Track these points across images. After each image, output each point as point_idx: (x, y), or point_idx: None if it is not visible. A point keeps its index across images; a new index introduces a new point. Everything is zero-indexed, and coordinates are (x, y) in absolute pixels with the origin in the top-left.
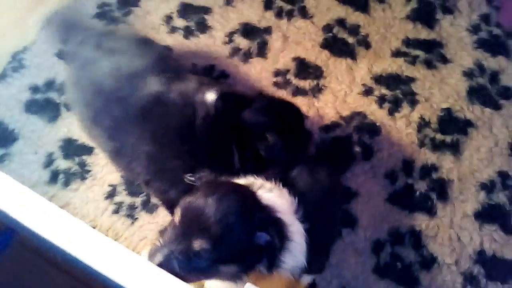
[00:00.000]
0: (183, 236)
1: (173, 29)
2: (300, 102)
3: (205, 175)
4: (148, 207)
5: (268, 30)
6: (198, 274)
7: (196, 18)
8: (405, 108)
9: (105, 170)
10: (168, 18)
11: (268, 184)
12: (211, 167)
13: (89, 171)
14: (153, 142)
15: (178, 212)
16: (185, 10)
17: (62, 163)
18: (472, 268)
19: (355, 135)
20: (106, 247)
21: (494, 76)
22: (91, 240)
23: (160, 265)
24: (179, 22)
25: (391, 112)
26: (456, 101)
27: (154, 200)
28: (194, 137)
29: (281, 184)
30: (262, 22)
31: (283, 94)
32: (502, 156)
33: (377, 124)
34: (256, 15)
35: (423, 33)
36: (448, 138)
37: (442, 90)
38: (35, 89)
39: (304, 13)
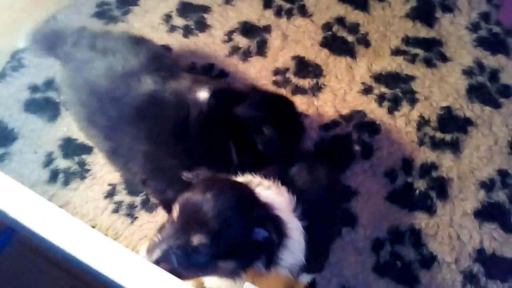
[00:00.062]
0: (181, 232)
1: (173, 28)
2: (300, 100)
3: (203, 172)
4: (147, 206)
5: (267, 29)
6: (197, 270)
7: (195, 17)
8: (405, 107)
9: (104, 170)
10: (168, 17)
11: (266, 182)
12: (208, 165)
13: (89, 170)
14: (148, 142)
15: (176, 207)
16: (185, 9)
17: (61, 163)
18: (471, 267)
19: (354, 134)
20: (105, 246)
21: (494, 74)
22: (91, 240)
23: (159, 260)
24: (179, 21)
25: (390, 111)
26: (455, 100)
27: (153, 199)
28: (189, 136)
29: (279, 182)
30: (262, 21)
31: (283, 92)
32: (502, 154)
33: (377, 122)
34: (255, 13)
35: (423, 32)
36: (447, 137)
37: (441, 88)
38: (34, 88)
39: (304, 12)
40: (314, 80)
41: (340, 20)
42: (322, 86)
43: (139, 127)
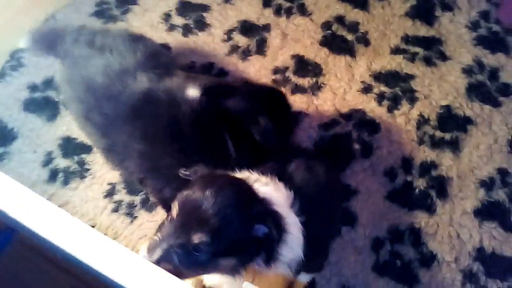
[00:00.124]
0: (181, 230)
1: (172, 27)
2: (299, 99)
3: (200, 169)
4: (147, 205)
5: (267, 28)
6: (197, 268)
7: (194, 16)
8: (404, 106)
9: (104, 169)
10: (167, 16)
11: (264, 178)
12: (205, 161)
13: (88, 169)
14: (144, 140)
15: (175, 205)
16: (184, 8)
17: (61, 162)
18: (471, 266)
19: (354, 133)
20: (105, 246)
21: (494, 73)
22: (91, 239)
23: (160, 260)
24: (178, 20)
25: (390, 110)
26: (455, 98)
27: (152, 198)
28: (184, 133)
29: (277, 178)
30: (261, 20)
31: (282, 91)
32: (502, 153)
33: (377, 121)
34: (254, 12)
35: (422, 30)
36: (447, 136)
37: (441, 87)
38: (33, 87)
39: (303, 11)
40: (314, 79)
41: (340, 19)
42: (322, 85)
43: (134, 125)
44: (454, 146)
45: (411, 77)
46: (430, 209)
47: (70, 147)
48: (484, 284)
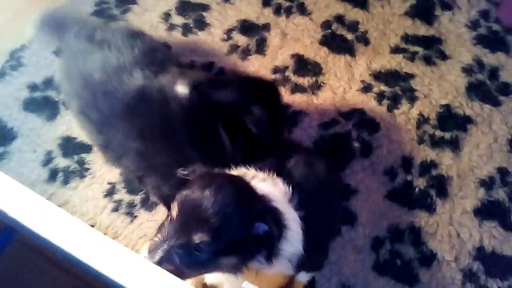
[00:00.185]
0: (182, 230)
1: (172, 27)
2: (299, 99)
3: (199, 168)
4: (147, 204)
5: (266, 27)
6: (199, 268)
7: (194, 15)
8: (404, 105)
9: (104, 168)
10: (166, 16)
11: (261, 174)
12: (200, 158)
13: (88, 169)
14: (139, 138)
15: (175, 206)
16: (183, 7)
17: (61, 161)
18: (471, 265)
19: (354, 132)
20: (105, 245)
21: (493, 72)
22: (90, 239)
23: (161, 261)
24: (177, 20)
25: (390, 109)
26: (455, 98)
27: (153, 197)
28: (178, 131)
29: (275, 174)
30: (261, 19)
31: (282, 91)
32: (502, 152)
33: (376, 120)
34: (254, 12)
35: (422, 29)
36: (447, 135)
37: (441, 86)
38: (33, 87)
39: (303, 10)
40: (314, 79)
41: (339, 18)
42: (322, 84)
43: (129, 123)
44: (454, 145)
45: (411, 76)
46: (430, 208)
47: (70, 146)
48: (484, 284)
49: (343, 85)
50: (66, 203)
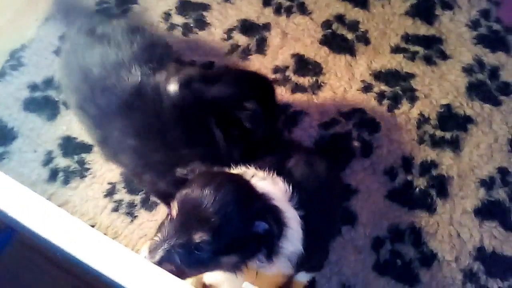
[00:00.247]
0: (182, 230)
1: (172, 26)
2: (300, 98)
3: (197, 167)
4: (147, 204)
5: (267, 27)
6: (199, 267)
7: (194, 15)
8: (405, 105)
9: (104, 168)
10: (167, 15)
11: (261, 173)
12: (195, 156)
13: (89, 169)
14: (136, 135)
15: (174, 205)
16: (184, 7)
17: (61, 161)
18: (472, 265)
19: (354, 132)
20: (105, 245)
21: (494, 72)
22: (90, 239)
23: (162, 261)
24: (178, 19)
25: (390, 109)
26: (455, 97)
27: (153, 197)
28: (170, 128)
29: (275, 173)
30: (261, 19)
31: (282, 90)
32: (502, 152)
33: (377, 120)
34: (254, 11)
35: (423, 29)
36: (447, 135)
37: (441, 86)
38: (33, 87)
39: (303, 10)
40: (314, 78)
41: (340, 18)
42: (322, 84)
43: (126, 119)
44: (455, 145)
45: (411, 76)
46: (431, 208)
47: (70, 146)
48: (484, 284)
49: (343, 84)
50: (66, 203)
